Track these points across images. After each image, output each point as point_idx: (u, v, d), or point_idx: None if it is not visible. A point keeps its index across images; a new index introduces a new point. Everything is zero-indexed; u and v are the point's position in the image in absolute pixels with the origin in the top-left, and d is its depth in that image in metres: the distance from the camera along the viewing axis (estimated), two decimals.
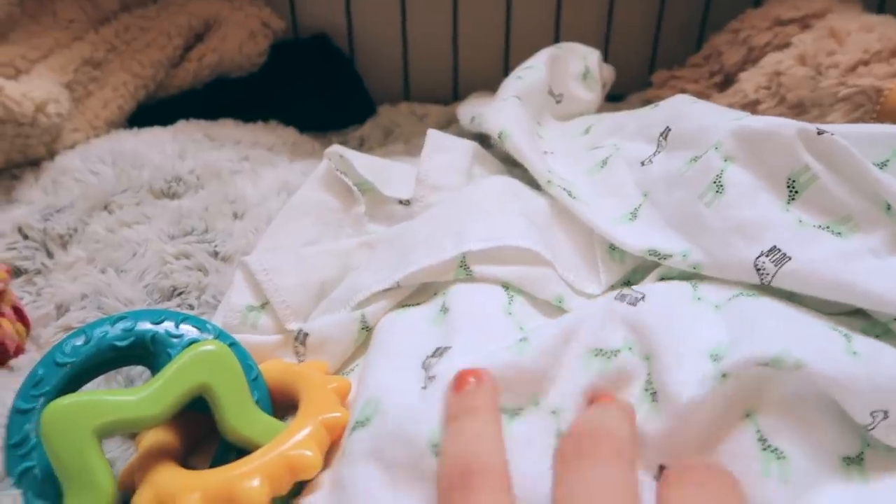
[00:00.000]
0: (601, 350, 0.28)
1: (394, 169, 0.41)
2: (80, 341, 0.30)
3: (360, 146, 0.64)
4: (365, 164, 0.40)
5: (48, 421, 0.26)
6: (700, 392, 0.25)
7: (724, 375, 0.25)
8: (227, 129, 0.58)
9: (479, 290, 0.31)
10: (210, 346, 0.29)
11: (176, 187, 0.47)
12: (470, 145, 0.42)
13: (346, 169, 0.41)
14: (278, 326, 0.35)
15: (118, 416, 0.27)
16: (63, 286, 0.38)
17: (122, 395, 0.27)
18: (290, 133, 0.61)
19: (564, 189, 0.37)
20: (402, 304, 0.33)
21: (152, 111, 0.59)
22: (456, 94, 0.71)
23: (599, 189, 0.38)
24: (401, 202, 0.40)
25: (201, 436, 0.32)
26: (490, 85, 0.62)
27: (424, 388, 0.26)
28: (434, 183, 0.39)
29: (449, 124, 0.66)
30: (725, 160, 0.32)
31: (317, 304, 0.36)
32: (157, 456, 0.30)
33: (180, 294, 0.37)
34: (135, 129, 0.55)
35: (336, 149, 0.41)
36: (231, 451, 0.30)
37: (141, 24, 0.59)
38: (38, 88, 0.47)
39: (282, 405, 0.32)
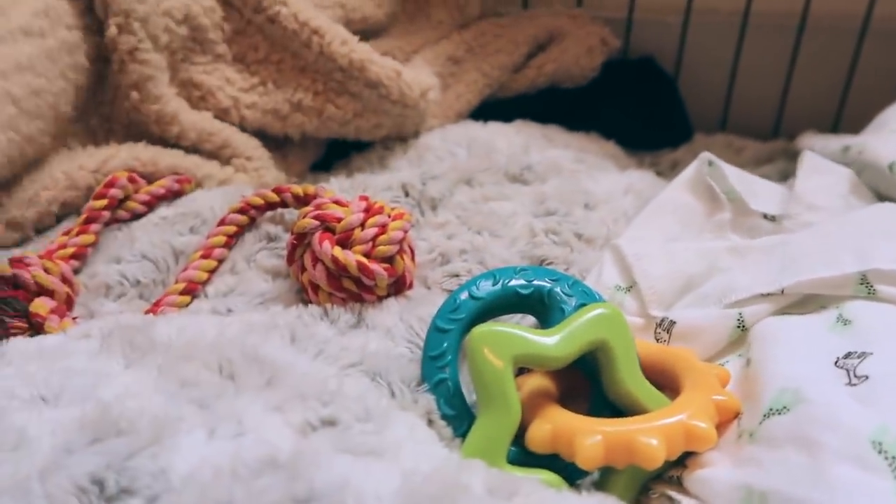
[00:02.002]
0: None
1: (761, 184, 0.42)
2: (490, 282, 0.34)
3: (672, 170, 0.65)
4: (735, 174, 0.41)
5: (477, 339, 0.30)
6: None
7: None
8: (558, 133, 0.61)
9: (887, 309, 0.30)
10: (609, 309, 0.32)
11: (526, 174, 0.51)
12: (848, 172, 0.41)
13: (714, 176, 0.41)
14: (641, 310, 0.37)
15: (533, 350, 0.30)
16: (440, 241, 0.43)
17: (537, 334, 0.31)
18: (610, 146, 0.63)
19: None
20: (783, 311, 0.33)
21: (490, 108, 0.64)
22: (777, 131, 0.69)
23: None
24: (766, 217, 0.40)
25: (570, 391, 0.34)
26: (818, 126, 0.60)
27: (852, 385, 0.26)
28: (811, 202, 0.39)
29: (766, 161, 0.64)
30: None
31: (680, 296, 0.37)
32: (543, 397, 0.32)
33: (549, 265, 0.40)
34: (481, 122, 0.60)
35: (707, 155, 0.42)
36: (605, 409, 0.32)
37: (495, 31, 0.65)
38: (423, 76, 0.53)
39: (652, 382, 0.33)
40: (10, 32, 0.39)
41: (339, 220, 0.37)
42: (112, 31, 0.44)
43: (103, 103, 0.47)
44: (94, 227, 0.41)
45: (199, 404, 0.27)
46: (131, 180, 0.44)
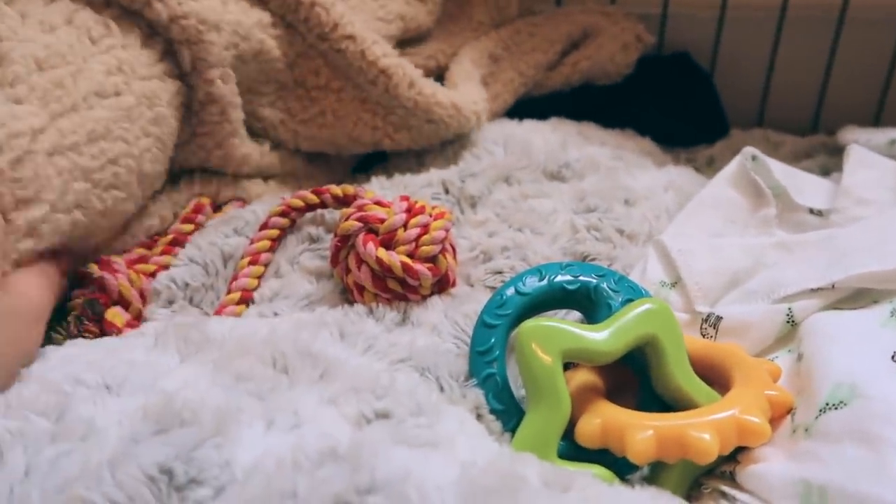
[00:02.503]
0: None
1: (806, 178, 0.41)
2: (536, 278, 0.35)
3: (708, 166, 0.64)
4: (779, 168, 0.40)
5: (526, 334, 0.30)
6: None
7: None
8: (594, 130, 0.61)
9: None
10: (658, 304, 0.32)
11: (564, 172, 0.51)
12: (895, 165, 0.40)
13: (759, 171, 0.41)
14: (686, 305, 0.37)
15: (582, 345, 0.30)
16: (481, 239, 0.43)
17: (585, 328, 0.31)
18: (646, 143, 0.63)
19: None
20: (834, 307, 0.33)
21: (526, 106, 0.64)
22: (815, 127, 0.68)
23: None
24: (812, 211, 0.40)
25: (617, 386, 0.34)
26: (858, 121, 0.59)
27: None
28: (860, 196, 0.38)
29: (805, 157, 0.63)
30: None
31: (726, 292, 0.37)
32: (592, 392, 0.32)
33: (592, 261, 0.40)
34: (516, 120, 0.60)
35: (750, 150, 0.41)
36: (653, 405, 0.32)
37: (530, 30, 0.65)
38: (476, 95, 0.53)
39: (701, 378, 0.33)
40: (83, 99, 0.35)
41: (382, 220, 0.37)
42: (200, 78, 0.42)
43: (179, 146, 0.44)
44: (177, 250, 0.42)
45: (257, 396, 0.28)
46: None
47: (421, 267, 0.36)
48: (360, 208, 0.38)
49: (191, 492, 0.22)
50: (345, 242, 0.38)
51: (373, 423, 0.27)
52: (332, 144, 0.50)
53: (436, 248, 0.37)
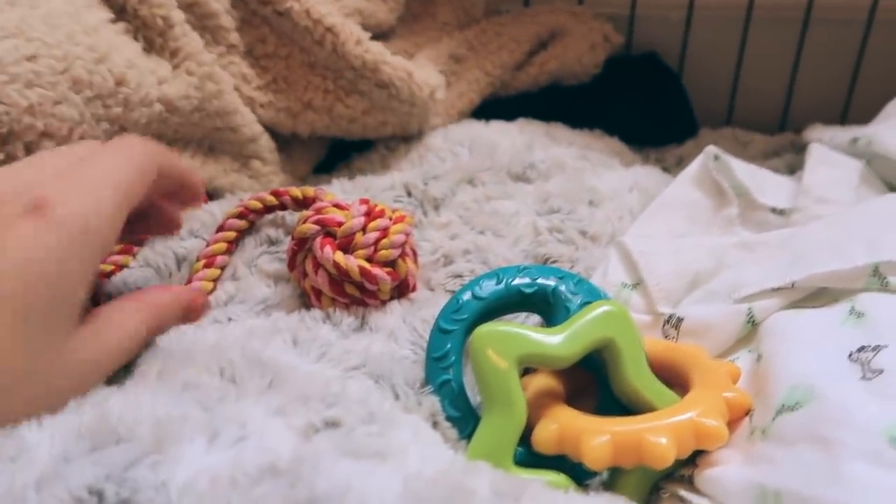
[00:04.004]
0: None
1: (768, 177, 0.41)
2: (493, 282, 0.34)
3: (677, 166, 0.64)
4: (742, 167, 0.40)
5: (480, 339, 0.29)
6: None
7: None
8: (561, 131, 0.61)
9: None
10: (615, 306, 0.31)
11: (529, 173, 0.50)
12: (857, 163, 0.40)
13: (721, 170, 0.41)
14: (649, 307, 0.36)
15: (537, 350, 0.30)
16: (443, 242, 0.42)
17: (541, 332, 0.30)
18: (615, 143, 0.63)
19: None
20: (794, 305, 0.33)
21: (492, 107, 0.64)
22: (783, 125, 0.68)
23: None
24: (774, 211, 0.39)
25: (576, 390, 0.34)
26: (826, 119, 0.59)
27: (867, 379, 0.25)
28: (820, 195, 0.38)
29: (774, 155, 0.64)
30: None
31: (688, 292, 0.36)
32: (549, 397, 0.32)
33: (554, 262, 0.40)
34: (483, 121, 0.60)
35: (712, 149, 0.41)
36: (613, 409, 0.32)
37: (497, 30, 0.65)
38: (431, 75, 0.53)
39: (661, 380, 0.33)
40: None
41: (340, 224, 0.36)
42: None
43: None
44: (137, 249, 0.40)
45: (203, 407, 0.27)
46: None
47: (379, 271, 0.35)
48: (318, 211, 0.37)
49: None
50: (302, 246, 0.37)
51: (321, 432, 0.26)
52: (289, 113, 0.49)
53: (395, 253, 0.36)
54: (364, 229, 0.36)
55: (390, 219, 0.37)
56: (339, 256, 0.35)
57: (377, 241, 0.36)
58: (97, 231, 0.26)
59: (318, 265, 0.36)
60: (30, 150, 0.33)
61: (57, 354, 0.25)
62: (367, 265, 0.35)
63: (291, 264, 0.38)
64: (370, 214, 0.37)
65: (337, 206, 0.38)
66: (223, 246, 0.40)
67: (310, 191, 0.41)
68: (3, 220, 0.25)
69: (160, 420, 0.25)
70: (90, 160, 0.28)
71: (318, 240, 0.36)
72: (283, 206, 0.41)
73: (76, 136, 0.36)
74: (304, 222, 0.37)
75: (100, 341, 0.27)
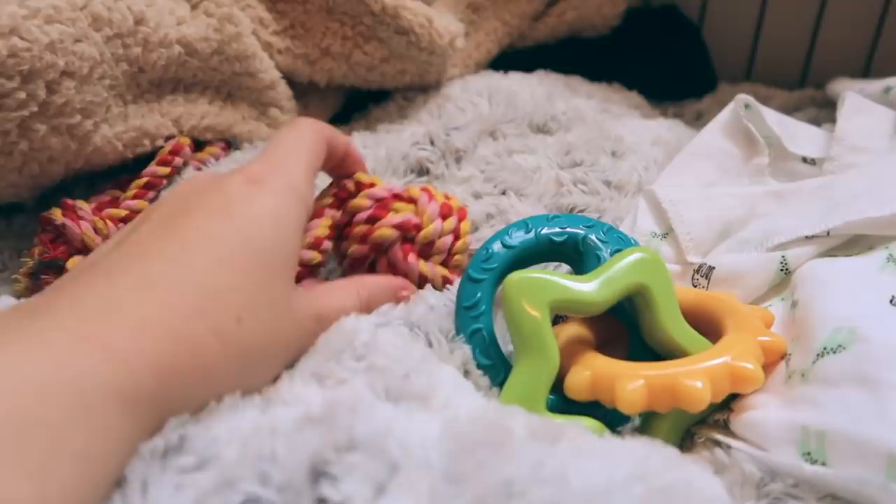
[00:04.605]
0: None
1: (799, 127, 0.40)
2: (522, 231, 0.33)
3: (696, 120, 0.63)
4: (773, 116, 0.39)
5: (512, 287, 0.29)
6: None
7: None
8: (580, 84, 0.60)
9: None
10: (647, 253, 0.31)
11: (551, 124, 0.49)
12: (892, 113, 0.39)
13: (752, 119, 0.40)
14: (678, 257, 0.36)
15: (570, 296, 0.29)
16: (465, 199, 0.42)
17: (573, 279, 0.30)
18: (633, 97, 0.62)
19: None
20: (828, 254, 0.32)
21: (511, 58, 0.63)
22: (803, 81, 0.67)
23: None
24: (805, 160, 0.39)
25: (607, 340, 0.33)
26: (848, 73, 0.58)
27: None
28: (854, 143, 0.37)
29: (795, 110, 0.62)
30: None
31: (718, 242, 0.36)
32: (581, 344, 0.32)
33: (580, 212, 0.39)
34: (501, 72, 0.58)
35: (743, 97, 0.40)
36: (644, 357, 0.31)
37: None
38: (451, 23, 0.51)
39: (693, 328, 0.32)
40: None
41: (419, 228, 0.34)
42: None
43: None
44: (151, 194, 0.39)
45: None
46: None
47: (455, 277, 0.34)
48: (385, 206, 0.34)
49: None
50: (376, 250, 0.34)
51: (358, 376, 0.26)
52: (306, 60, 0.48)
53: (466, 259, 0.35)
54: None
55: (457, 216, 0.35)
56: (423, 266, 0.34)
57: (452, 244, 0.35)
58: (305, 195, 0.30)
59: (392, 268, 0.34)
60: (51, 90, 0.32)
61: (287, 305, 0.27)
62: (448, 273, 0.34)
63: (358, 269, 0.34)
64: (443, 215, 0.35)
65: (398, 197, 0.35)
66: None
67: (365, 178, 0.36)
68: (237, 192, 0.27)
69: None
70: (275, 141, 0.31)
71: (398, 246, 0.34)
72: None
73: (96, 75, 0.35)
74: (379, 226, 0.33)
75: (320, 303, 0.29)
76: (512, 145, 0.47)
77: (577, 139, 0.46)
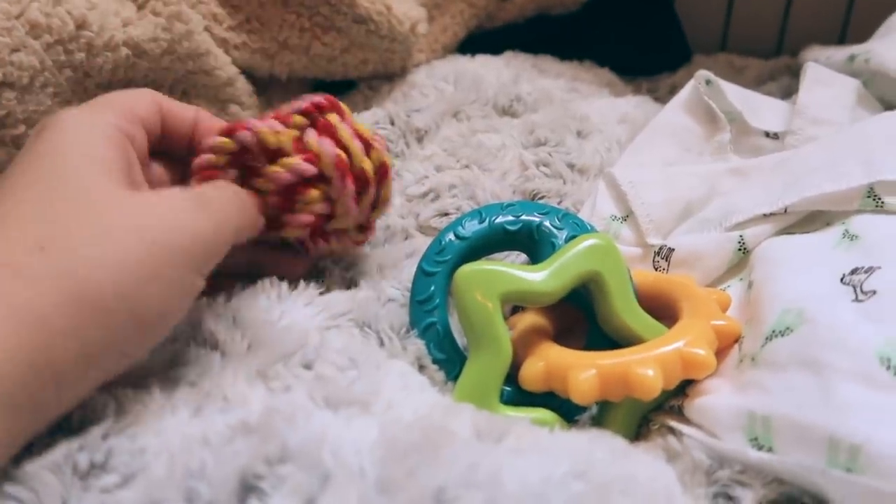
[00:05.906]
0: None
1: (761, 101, 0.39)
2: (475, 221, 0.33)
3: (670, 94, 0.62)
4: (734, 91, 0.39)
5: (463, 280, 0.29)
6: None
7: None
8: (550, 63, 0.59)
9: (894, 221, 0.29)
10: (600, 239, 0.30)
11: (516, 106, 0.49)
12: (854, 82, 0.38)
13: (712, 95, 0.39)
14: (639, 240, 0.35)
15: (521, 287, 0.29)
16: (428, 173, 0.41)
17: (524, 270, 0.29)
18: (605, 73, 0.61)
19: None
20: (787, 231, 0.32)
21: (478, 41, 0.61)
22: (779, 49, 0.66)
23: None
24: (768, 135, 0.38)
25: (566, 328, 0.33)
26: (824, 41, 0.57)
27: (859, 301, 0.25)
28: (815, 116, 0.37)
29: (770, 79, 0.62)
30: None
31: (679, 222, 0.35)
32: (537, 335, 0.31)
33: (542, 198, 0.39)
34: (468, 55, 0.57)
35: (704, 73, 0.39)
36: (602, 344, 0.31)
37: None
38: (412, 9, 0.51)
39: (650, 313, 0.32)
40: None
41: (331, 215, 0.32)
42: None
43: None
44: None
45: (188, 382, 0.26)
46: None
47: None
48: (290, 196, 0.31)
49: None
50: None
51: (299, 383, 0.26)
52: (265, 54, 0.47)
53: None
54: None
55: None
56: (335, 246, 0.33)
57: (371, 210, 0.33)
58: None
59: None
60: None
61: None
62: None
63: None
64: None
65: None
66: None
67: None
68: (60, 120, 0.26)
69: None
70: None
71: (308, 238, 0.32)
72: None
73: (38, 84, 0.34)
74: (288, 223, 0.31)
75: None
76: (476, 126, 0.46)
77: (541, 118, 0.46)
